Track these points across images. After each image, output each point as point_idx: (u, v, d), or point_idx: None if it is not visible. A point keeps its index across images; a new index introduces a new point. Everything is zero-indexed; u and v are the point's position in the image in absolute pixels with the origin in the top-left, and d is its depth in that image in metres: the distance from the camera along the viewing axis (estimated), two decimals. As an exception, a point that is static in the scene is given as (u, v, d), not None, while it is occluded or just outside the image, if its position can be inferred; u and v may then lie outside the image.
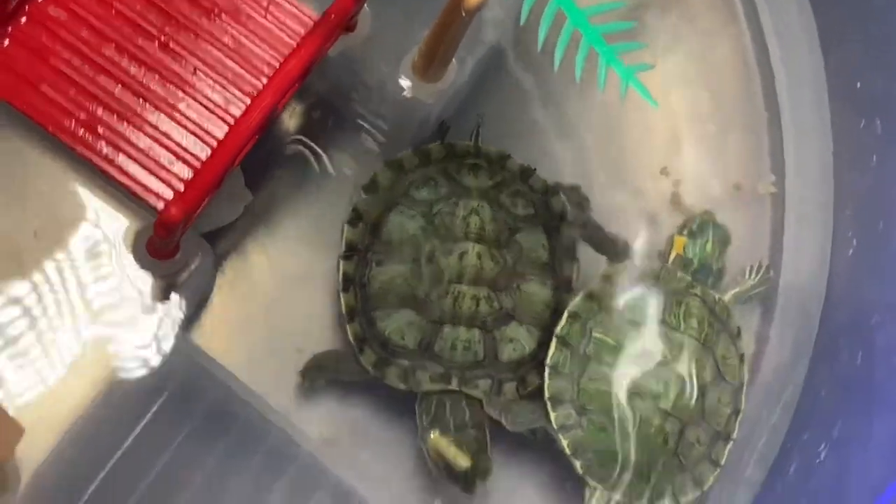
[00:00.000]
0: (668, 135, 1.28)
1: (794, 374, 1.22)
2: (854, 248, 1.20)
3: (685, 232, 1.20)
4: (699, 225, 1.20)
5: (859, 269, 1.20)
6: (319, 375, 1.14)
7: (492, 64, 1.25)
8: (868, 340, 1.13)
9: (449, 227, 1.14)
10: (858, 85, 1.23)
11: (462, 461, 1.09)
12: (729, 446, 1.15)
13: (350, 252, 1.14)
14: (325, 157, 1.20)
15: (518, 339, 1.13)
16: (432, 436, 1.10)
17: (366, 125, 1.21)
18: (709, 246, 1.19)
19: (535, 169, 1.18)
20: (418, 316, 1.12)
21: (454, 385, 1.12)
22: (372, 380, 1.13)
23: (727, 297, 1.19)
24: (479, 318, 1.13)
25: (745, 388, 1.16)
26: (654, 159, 1.27)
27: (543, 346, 1.14)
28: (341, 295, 1.13)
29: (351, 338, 1.12)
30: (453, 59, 1.18)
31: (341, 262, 1.14)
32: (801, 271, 1.24)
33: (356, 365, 1.13)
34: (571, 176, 1.23)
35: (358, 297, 1.13)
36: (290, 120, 1.21)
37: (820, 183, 1.26)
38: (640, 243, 1.23)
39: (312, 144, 1.21)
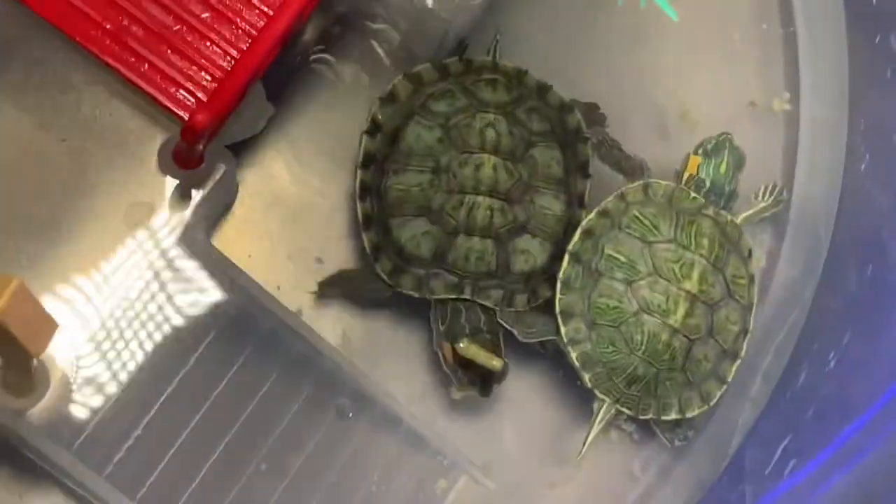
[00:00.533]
0: (685, 51, 1.29)
1: (806, 287, 1.24)
2: (866, 163, 1.22)
3: (700, 151, 1.21)
4: (715, 146, 1.21)
5: (871, 183, 1.21)
6: (336, 290, 1.17)
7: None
8: (879, 252, 1.15)
9: (465, 138, 1.16)
10: (874, 1, 1.24)
11: (496, 363, 1.11)
12: (737, 364, 1.17)
13: (367, 161, 1.16)
14: (344, 70, 1.22)
15: (530, 252, 1.16)
16: (462, 343, 1.12)
17: (385, 41, 1.23)
18: (723, 167, 1.20)
19: (551, 86, 1.20)
20: (433, 225, 1.15)
21: (467, 294, 1.14)
22: (386, 300, 1.16)
23: (739, 218, 1.21)
24: (493, 229, 1.15)
25: (754, 308, 1.18)
26: (671, 76, 1.29)
27: (555, 259, 1.17)
28: (358, 203, 1.16)
29: (367, 245, 1.15)
30: (473, -27, 1.19)
31: (359, 171, 1.16)
32: (815, 185, 1.26)
33: (374, 282, 1.15)
34: (588, 91, 1.25)
35: (374, 206, 1.16)
36: (311, 35, 1.22)
37: (835, 98, 1.28)
38: (654, 161, 1.24)
39: (332, 58, 1.22)
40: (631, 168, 1.21)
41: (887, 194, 1.18)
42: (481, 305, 1.15)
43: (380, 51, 1.23)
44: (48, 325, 0.86)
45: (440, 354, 1.14)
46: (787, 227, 1.26)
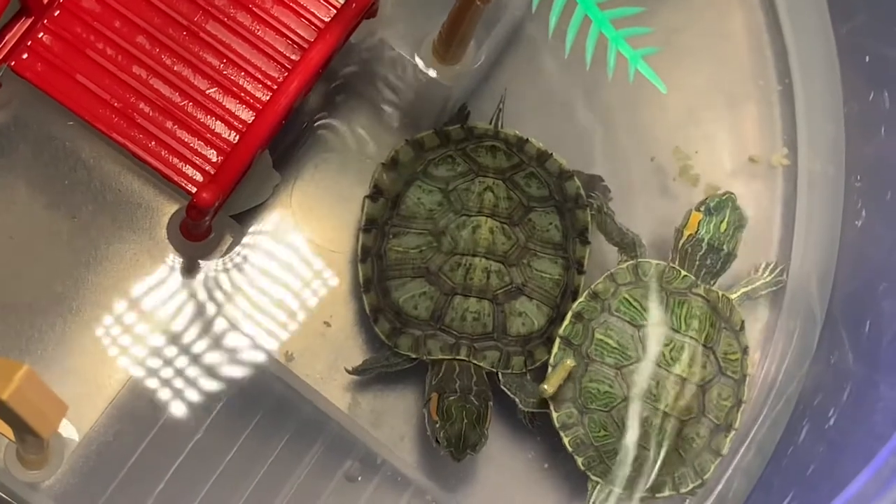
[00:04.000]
0: (683, 109, 1.31)
1: (803, 356, 1.25)
2: (863, 220, 1.23)
3: (703, 209, 1.21)
4: (717, 204, 1.21)
5: (867, 240, 1.23)
6: (367, 373, 1.19)
7: (512, 42, 1.29)
8: (876, 308, 1.17)
9: (464, 202, 1.19)
10: (867, 58, 1.26)
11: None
12: (731, 435, 1.19)
13: (369, 225, 1.19)
14: (349, 136, 1.24)
15: (527, 314, 1.17)
16: (433, 396, 1.14)
17: (388, 106, 1.26)
18: (723, 226, 1.20)
19: (551, 153, 1.22)
20: (431, 287, 1.17)
21: (463, 355, 1.16)
22: (408, 367, 1.18)
23: (737, 293, 1.22)
24: (490, 290, 1.17)
25: (747, 379, 1.19)
26: (670, 133, 1.30)
27: (552, 322, 1.18)
28: (359, 266, 1.18)
29: (367, 307, 1.17)
30: (472, 42, 1.21)
31: (360, 235, 1.19)
32: (812, 248, 1.27)
33: (395, 358, 1.17)
34: (585, 150, 1.27)
35: (374, 268, 1.18)
36: (316, 102, 1.25)
37: (831, 154, 1.29)
38: (656, 217, 1.26)
39: (336, 124, 1.25)
40: (624, 243, 1.21)
41: (883, 251, 1.20)
42: (477, 373, 1.16)
43: (383, 116, 1.26)
44: (57, 408, 0.88)
45: (426, 412, 1.16)
46: (783, 301, 1.27)
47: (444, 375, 1.16)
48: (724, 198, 1.21)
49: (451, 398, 1.14)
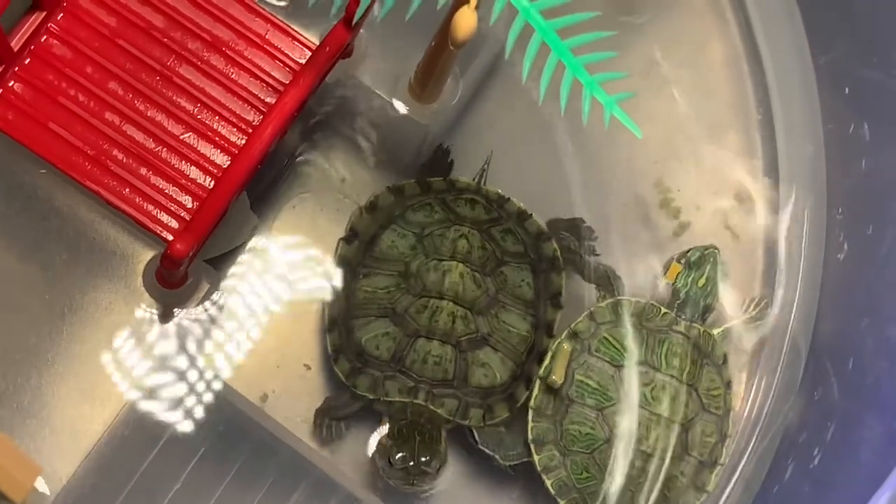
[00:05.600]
0: (662, 142, 1.30)
1: (787, 392, 1.24)
2: (844, 253, 1.23)
3: (683, 261, 1.21)
4: (698, 259, 1.20)
5: (850, 273, 1.22)
6: (327, 418, 1.17)
7: (490, 77, 1.28)
8: (859, 344, 1.16)
9: (437, 246, 1.18)
10: (847, 90, 1.25)
11: (555, 377, 1.13)
12: (716, 471, 1.18)
13: (341, 266, 1.18)
14: (326, 175, 1.24)
15: (490, 366, 1.16)
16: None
17: (365, 144, 1.25)
18: (701, 281, 1.20)
19: (531, 214, 1.20)
20: (395, 327, 1.16)
21: (421, 399, 1.15)
22: (365, 406, 1.17)
23: (717, 330, 1.21)
24: (455, 335, 1.16)
25: (731, 413, 1.19)
26: (649, 167, 1.30)
27: (516, 379, 1.17)
28: (326, 306, 1.17)
29: (329, 346, 1.16)
30: (448, 80, 1.20)
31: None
32: (795, 276, 1.26)
33: (351, 399, 1.16)
34: (564, 183, 1.26)
35: (341, 307, 1.17)
36: (293, 140, 1.24)
37: (812, 187, 1.28)
38: (638, 251, 1.25)
39: (314, 163, 1.24)
40: (598, 279, 1.21)
41: (865, 286, 1.19)
42: (432, 422, 1.15)
43: (361, 154, 1.25)
44: (30, 472, 0.88)
45: (377, 443, 1.15)
46: (767, 335, 1.25)
47: (397, 410, 1.15)
48: (705, 252, 1.21)
49: (403, 421, 1.13)
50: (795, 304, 1.25)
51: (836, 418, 1.15)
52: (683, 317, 1.19)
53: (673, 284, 1.20)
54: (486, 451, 1.16)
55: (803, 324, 1.25)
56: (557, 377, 1.14)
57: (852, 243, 1.23)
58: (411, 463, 1.11)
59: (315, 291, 1.21)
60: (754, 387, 1.24)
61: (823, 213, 1.27)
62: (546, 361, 1.17)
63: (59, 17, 1.14)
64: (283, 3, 1.20)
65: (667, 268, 1.21)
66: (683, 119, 1.32)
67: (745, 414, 1.23)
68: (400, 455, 1.12)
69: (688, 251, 1.21)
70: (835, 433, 1.14)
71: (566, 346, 1.16)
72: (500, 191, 1.21)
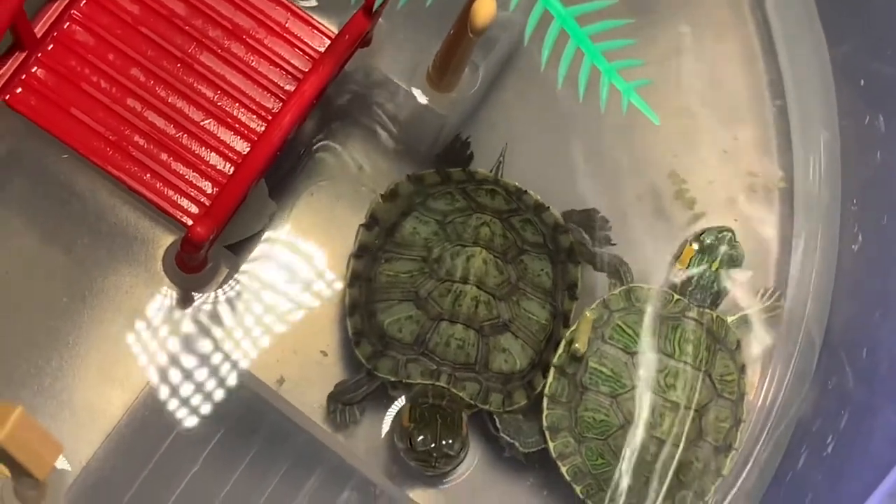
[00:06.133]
0: (679, 133, 1.31)
1: (801, 381, 1.24)
2: (860, 244, 1.23)
3: (696, 244, 1.20)
4: (712, 243, 1.20)
5: (864, 264, 1.23)
6: (340, 404, 1.18)
7: (507, 67, 1.29)
8: (873, 333, 1.17)
9: (460, 233, 1.19)
10: (862, 82, 1.26)
11: (578, 346, 1.14)
12: (731, 455, 1.18)
13: (361, 252, 1.19)
14: (346, 161, 1.25)
15: (510, 352, 1.17)
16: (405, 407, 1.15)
17: (383, 134, 1.26)
18: (715, 265, 1.20)
19: (548, 207, 1.22)
20: (418, 311, 1.17)
21: (443, 382, 1.15)
22: (377, 390, 1.18)
23: (732, 319, 1.21)
24: (477, 320, 1.17)
25: (745, 397, 1.19)
26: (665, 158, 1.30)
27: (534, 367, 1.18)
28: (347, 290, 1.18)
29: (350, 330, 1.17)
30: (466, 70, 1.21)
31: (352, 260, 1.19)
32: (810, 267, 1.26)
33: (368, 380, 1.17)
34: (581, 174, 1.27)
35: (363, 293, 1.18)
36: (311, 129, 1.25)
37: (828, 178, 1.29)
38: (653, 242, 1.25)
39: (332, 152, 1.25)
40: (607, 267, 1.21)
41: (880, 276, 1.20)
42: (452, 406, 1.15)
43: (379, 143, 1.26)
44: (52, 449, 0.89)
45: (397, 425, 1.15)
46: (781, 325, 1.26)
47: (418, 393, 1.16)
48: (720, 235, 1.20)
49: (425, 405, 1.14)
50: (810, 295, 1.26)
51: (849, 407, 1.16)
52: (696, 302, 1.19)
53: (686, 268, 1.20)
54: (507, 438, 1.17)
55: (817, 314, 1.25)
56: (581, 345, 1.15)
57: (867, 234, 1.23)
58: (433, 445, 1.12)
59: (333, 278, 1.22)
60: (768, 376, 1.24)
61: (838, 205, 1.28)
62: (573, 326, 1.17)
63: (81, 4, 1.15)
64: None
65: (679, 253, 1.21)
66: (699, 111, 1.33)
67: (759, 403, 1.24)
68: (421, 437, 1.12)
69: (701, 233, 1.21)
70: (848, 422, 1.15)
71: (589, 314, 1.16)
72: (517, 183, 1.22)
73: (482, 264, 1.17)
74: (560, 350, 1.17)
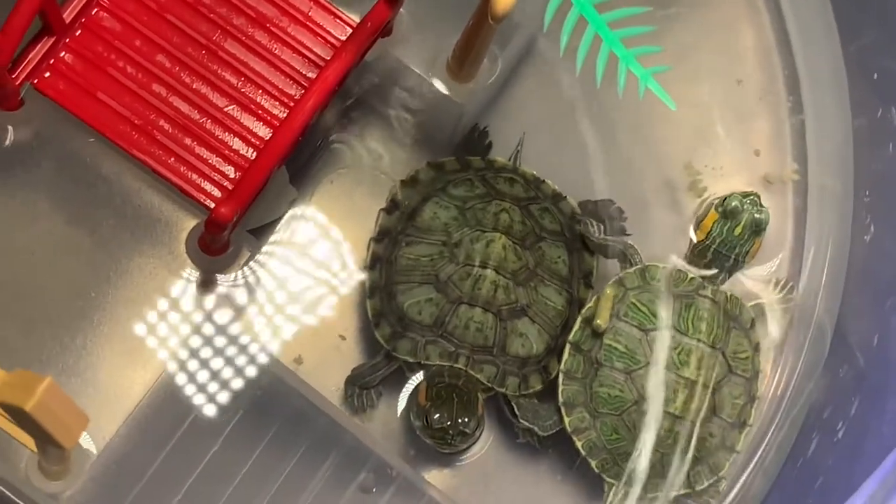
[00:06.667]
0: (693, 126, 1.32)
1: (812, 369, 1.26)
2: (872, 234, 1.25)
3: (720, 209, 1.20)
4: (735, 207, 1.19)
5: (876, 254, 1.24)
6: (356, 387, 1.20)
7: (525, 58, 1.30)
8: (884, 323, 1.18)
9: (480, 219, 1.21)
10: (875, 75, 1.28)
11: (600, 322, 1.15)
12: (745, 432, 1.20)
13: (382, 236, 1.21)
14: (364, 151, 1.26)
15: (528, 336, 1.19)
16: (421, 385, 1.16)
17: (402, 123, 1.27)
18: (738, 230, 1.20)
19: (566, 196, 1.24)
20: (438, 294, 1.18)
21: (461, 363, 1.17)
22: (394, 373, 1.20)
23: (747, 306, 1.22)
24: (496, 304, 1.18)
25: (759, 375, 1.21)
26: (680, 150, 1.32)
27: (551, 352, 1.20)
28: (367, 272, 1.20)
29: (369, 312, 1.19)
30: (485, 60, 1.23)
31: (372, 244, 1.21)
32: (822, 258, 1.28)
33: (385, 361, 1.19)
34: (596, 163, 1.28)
35: (383, 275, 1.20)
36: (331, 118, 1.26)
37: (840, 169, 1.31)
38: (666, 234, 1.27)
39: (352, 138, 1.26)
40: (617, 255, 1.22)
41: (891, 266, 1.21)
42: (468, 388, 1.17)
43: (398, 133, 1.28)
44: (79, 420, 0.90)
45: (414, 403, 1.17)
46: (793, 314, 1.27)
47: (435, 374, 1.17)
48: (745, 200, 1.19)
49: (441, 384, 1.15)
50: (822, 284, 1.27)
51: (860, 395, 1.17)
52: (716, 266, 1.20)
53: (708, 234, 1.20)
54: (526, 423, 1.18)
55: (829, 303, 1.27)
56: (602, 321, 1.16)
57: (879, 225, 1.25)
58: (449, 423, 1.14)
59: (351, 264, 1.24)
60: (780, 364, 1.26)
61: (851, 196, 1.29)
62: (589, 303, 1.19)
63: (109, -9, 1.17)
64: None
65: (704, 213, 1.21)
66: (714, 104, 1.34)
67: (771, 391, 1.25)
68: (438, 415, 1.14)
69: (726, 197, 1.20)
70: (859, 409, 1.16)
71: (609, 290, 1.18)
72: (535, 172, 1.24)
73: (501, 250, 1.19)
74: (576, 327, 1.19)
